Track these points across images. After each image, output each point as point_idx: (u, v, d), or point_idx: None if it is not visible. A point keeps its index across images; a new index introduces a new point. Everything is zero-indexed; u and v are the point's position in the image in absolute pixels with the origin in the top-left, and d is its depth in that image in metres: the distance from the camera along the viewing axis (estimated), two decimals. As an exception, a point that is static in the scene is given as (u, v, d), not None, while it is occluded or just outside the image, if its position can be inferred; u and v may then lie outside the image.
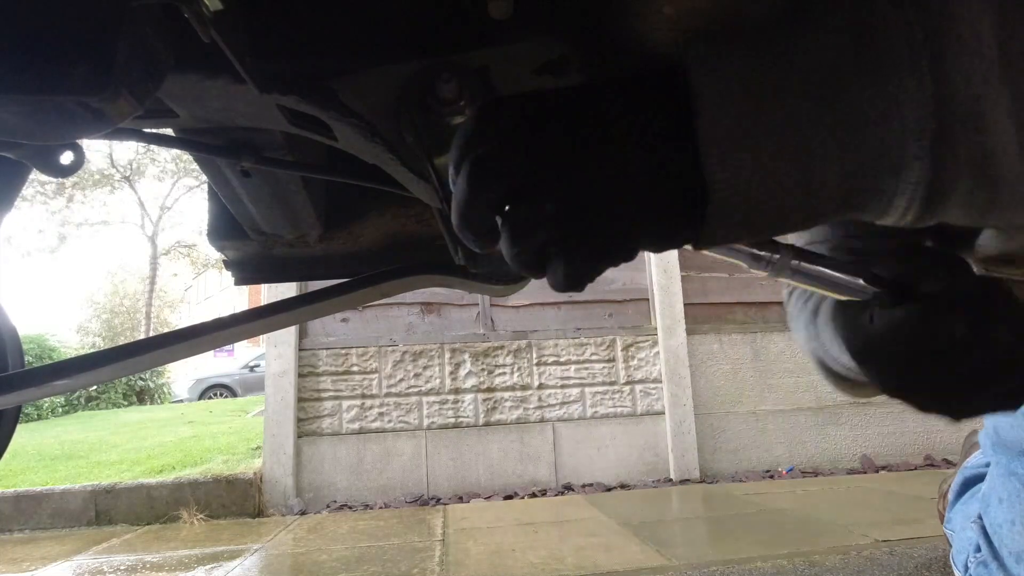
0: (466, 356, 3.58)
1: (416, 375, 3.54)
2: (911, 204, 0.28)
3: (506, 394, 3.55)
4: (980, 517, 0.94)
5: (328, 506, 3.25)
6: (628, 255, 0.33)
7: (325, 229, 0.85)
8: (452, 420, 3.50)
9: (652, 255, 3.79)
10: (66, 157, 0.54)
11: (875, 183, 0.28)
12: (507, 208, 0.32)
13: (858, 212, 0.30)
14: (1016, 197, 0.27)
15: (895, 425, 3.75)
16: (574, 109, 0.32)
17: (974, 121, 0.26)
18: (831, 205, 0.29)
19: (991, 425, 0.94)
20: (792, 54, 0.28)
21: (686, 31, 0.43)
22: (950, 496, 1.10)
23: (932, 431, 3.76)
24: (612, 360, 3.67)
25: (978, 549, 0.93)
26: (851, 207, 0.29)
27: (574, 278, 0.32)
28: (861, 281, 0.36)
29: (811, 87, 0.27)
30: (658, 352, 3.69)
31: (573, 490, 3.34)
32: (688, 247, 0.33)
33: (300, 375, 3.44)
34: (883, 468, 3.59)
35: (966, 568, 0.98)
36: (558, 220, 0.31)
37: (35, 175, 0.62)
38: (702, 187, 0.29)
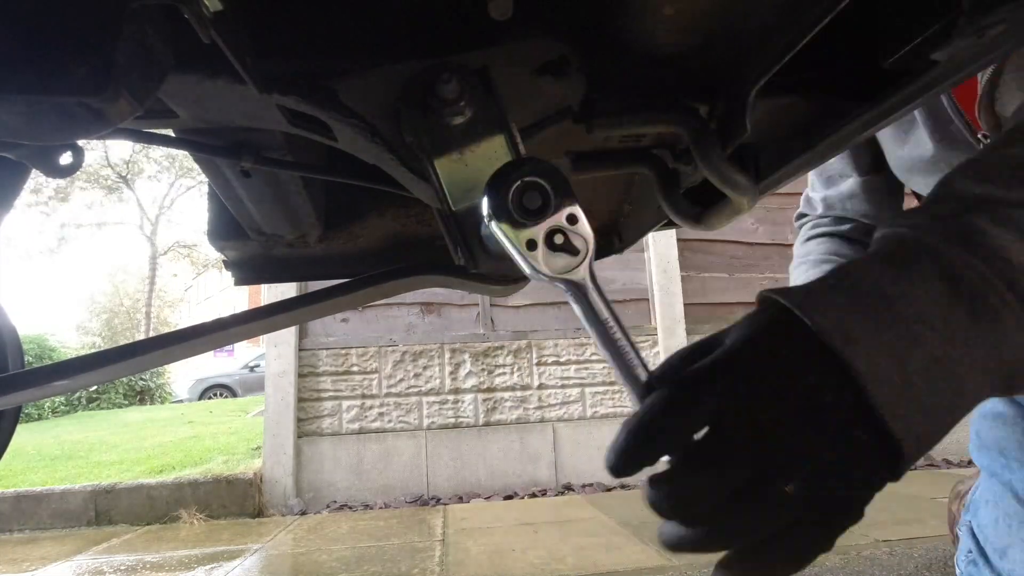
0: (466, 356, 3.58)
1: (416, 375, 3.54)
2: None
3: (506, 394, 3.56)
4: (970, 521, 0.95)
5: (328, 506, 3.25)
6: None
7: (325, 229, 0.85)
8: (452, 420, 3.50)
9: (651, 254, 3.79)
10: (65, 158, 0.54)
11: (1009, 384, 0.35)
12: (697, 446, 0.33)
13: (987, 397, 0.36)
14: None
15: (895, 425, 3.75)
16: (780, 386, 0.34)
17: None
18: (973, 405, 0.35)
19: (974, 430, 0.95)
20: (904, 309, 0.34)
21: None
22: (968, 499, 1.11)
23: (932, 431, 3.76)
24: (612, 360, 3.67)
25: (970, 550, 0.94)
26: (983, 396, 0.35)
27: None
28: None
29: (933, 331, 0.33)
30: (658, 352, 3.69)
31: (573, 490, 3.34)
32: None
33: (300, 375, 3.44)
34: (883, 468, 3.59)
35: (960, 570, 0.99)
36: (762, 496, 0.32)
37: (34, 175, 0.62)
38: (893, 449, 0.33)
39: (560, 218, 0.39)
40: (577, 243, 0.39)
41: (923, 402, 0.33)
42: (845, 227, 1.16)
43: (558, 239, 0.39)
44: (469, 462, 3.44)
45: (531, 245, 0.39)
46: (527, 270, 0.39)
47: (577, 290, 0.39)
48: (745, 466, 0.32)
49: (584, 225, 0.39)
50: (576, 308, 0.40)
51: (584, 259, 0.39)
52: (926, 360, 0.33)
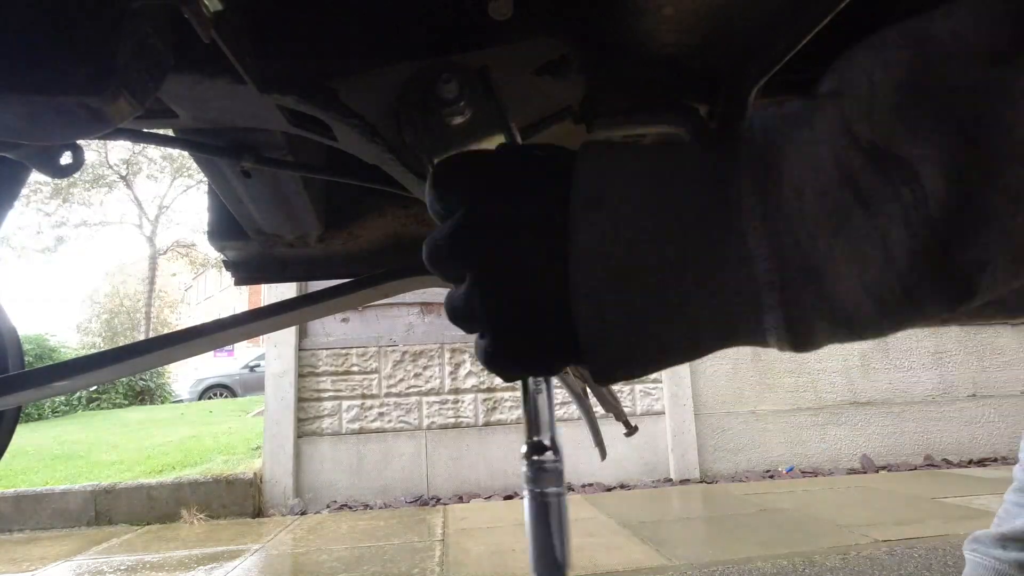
0: (466, 356, 3.58)
1: (416, 375, 3.54)
2: (781, 342, 0.31)
3: (506, 394, 3.55)
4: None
5: (328, 506, 3.25)
6: (543, 369, 0.34)
7: (325, 229, 0.85)
8: (452, 420, 3.50)
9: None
10: (65, 158, 0.55)
11: (744, 324, 0.31)
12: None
13: (737, 344, 0.33)
14: (877, 331, 0.30)
15: (895, 425, 3.75)
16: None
17: (811, 273, 0.28)
18: (709, 341, 0.32)
19: None
20: (665, 203, 0.31)
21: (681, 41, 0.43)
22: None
23: (932, 431, 3.76)
24: (612, 360, 3.67)
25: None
26: (728, 342, 0.32)
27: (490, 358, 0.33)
28: None
29: (679, 236, 0.30)
30: (658, 352, 3.69)
31: (573, 490, 3.34)
32: None
33: (300, 375, 3.44)
34: (883, 468, 3.59)
35: None
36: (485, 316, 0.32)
37: (34, 175, 0.62)
38: (573, 328, 0.31)
39: None
40: None
41: (630, 295, 0.30)
42: None
43: None
44: (469, 462, 3.44)
45: None
46: None
47: None
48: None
49: None
50: None
51: None
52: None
